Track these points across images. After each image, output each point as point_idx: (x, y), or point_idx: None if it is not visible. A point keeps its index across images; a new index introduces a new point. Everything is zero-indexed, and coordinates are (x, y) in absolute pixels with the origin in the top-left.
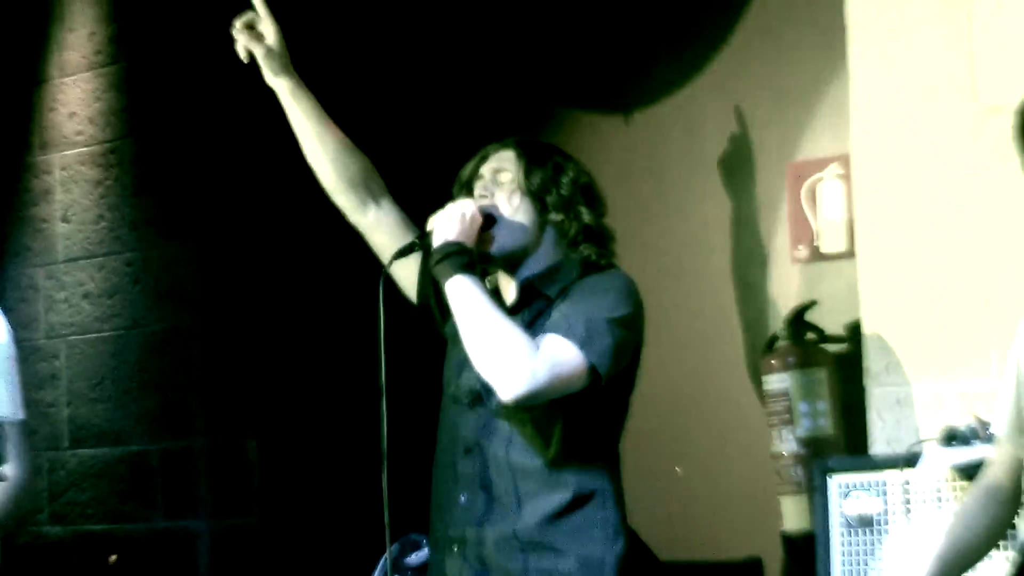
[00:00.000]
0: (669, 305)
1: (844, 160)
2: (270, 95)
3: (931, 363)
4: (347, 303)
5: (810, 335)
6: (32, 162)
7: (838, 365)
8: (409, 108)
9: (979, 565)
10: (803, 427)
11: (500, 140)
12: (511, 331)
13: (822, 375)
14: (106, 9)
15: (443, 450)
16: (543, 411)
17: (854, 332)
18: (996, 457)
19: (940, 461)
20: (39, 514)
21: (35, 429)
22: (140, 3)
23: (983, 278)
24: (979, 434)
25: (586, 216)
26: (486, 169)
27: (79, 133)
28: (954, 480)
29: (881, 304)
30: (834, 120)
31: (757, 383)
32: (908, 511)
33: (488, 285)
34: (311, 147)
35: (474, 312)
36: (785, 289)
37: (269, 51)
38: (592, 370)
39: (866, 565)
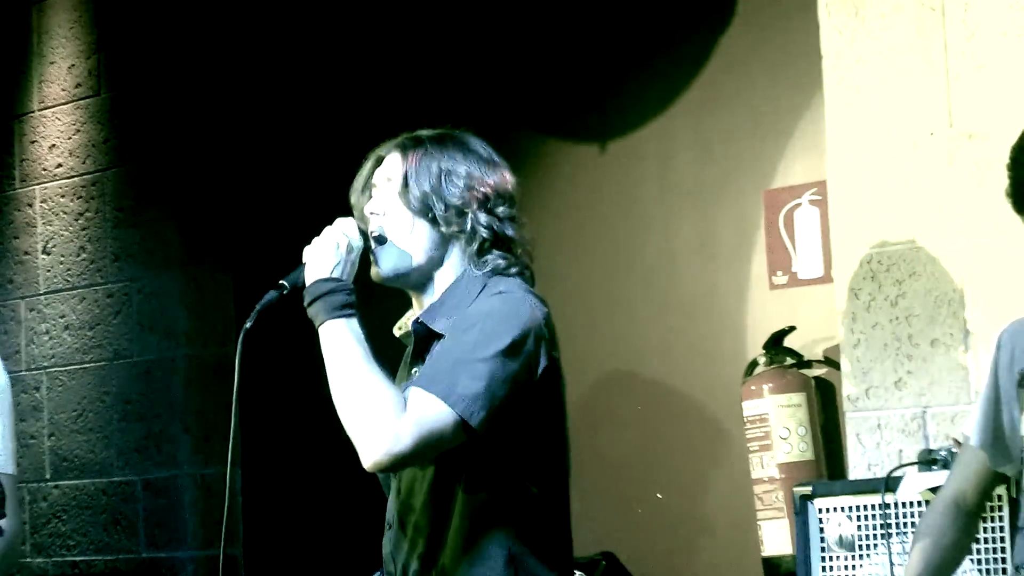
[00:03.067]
0: (648, 333)
1: (820, 187)
2: (249, 125)
3: (909, 387)
4: None
5: (789, 360)
6: (13, 195)
7: (817, 390)
8: (385, 135)
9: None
10: (783, 452)
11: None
12: (377, 389)
13: (801, 400)
14: (86, 42)
15: None
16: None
17: (832, 357)
18: (961, 467)
19: (919, 485)
20: (23, 547)
21: (18, 462)
22: (120, 36)
23: (961, 301)
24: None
25: (483, 227)
26: (379, 176)
27: (60, 165)
28: None
29: (858, 329)
30: (810, 147)
31: (736, 409)
32: (888, 535)
33: (399, 331)
34: None
35: (342, 365)
36: (763, 315)
37: None
38: (463, 423)
39: None
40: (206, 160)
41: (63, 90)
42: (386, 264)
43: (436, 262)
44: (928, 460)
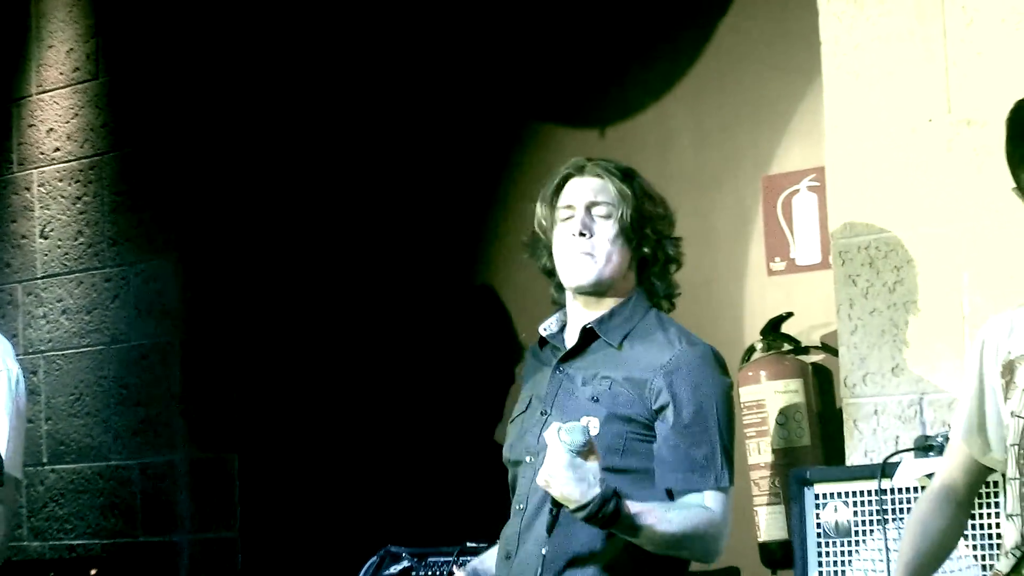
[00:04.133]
0: None
1: (819, 173)
2: (249, 110)
3: (907, 374)
4: (328, 317)
5: (786, 346)
6: (11, 179)
7: (814, 376)
8: (386, 123)
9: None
10: (779, 438)
11: (476, 155)
12: (690, 524)
13: (798, 386)
14: (84, 25)
15: None
16: None
17: (830, 343)
18: (949, 459)
19: (915, 471)
20: (17, 530)
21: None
22: (118, 20)
23: (958, 288)
24: None
25: (670, 248)
26: (576, 199)
27: (57, 149)
28: None
29: (856, 315)
30: (808, 133)
31: (734, 394)
32: (884, 521)
33: (557, 325)
34: None
35: (650, 536)
36: (761, 301)
37: None
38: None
39: (843, 574)
40: (204, 145)
41: (61, 74)
42: (590, 277)
43: (622, 278)
44: (925, 446)
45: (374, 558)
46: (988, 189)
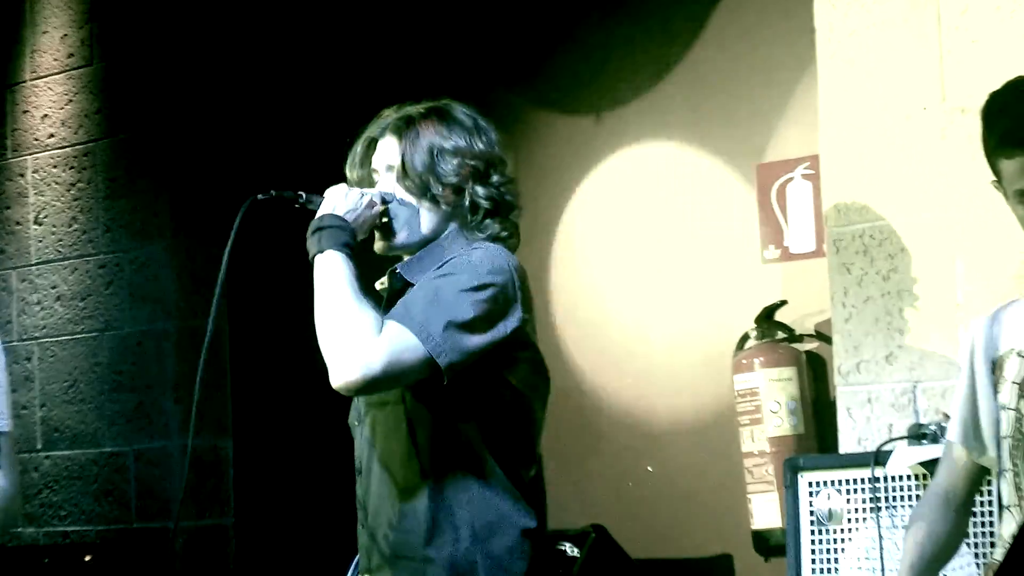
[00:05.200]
0: (639, 304)
1: (813, 161)
2: (243, 96)
3: (900, 362)
4: None
5: (780, 334)
6: (5, 165)
7: (808, 364)
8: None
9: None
10: (773, 425)
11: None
12: (359, 315)
13: (792, 374)
14: (79, 11)
15: None
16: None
17: (824, 331)
18: (948, 463)
19: (908, 459)
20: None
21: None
22: (113, 5)
23: (952, 277)
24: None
25: (482, 199)
26: (378, 161)
27: (52, 135)
28: (922, 478)
29: (850, 303)
30: (803, 120)
31: (728, 382)
32: (877, 508)
33: (380, 286)
34: None
35: (331, 291)
36: (755, 289)
37: None
38: (431, 360)
39: (835, 562)
40: (199, 131)
41: (55, 60)
42: (396, 238)
43: (439, 234)
44: (918, 434)
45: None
46: (982, 177)
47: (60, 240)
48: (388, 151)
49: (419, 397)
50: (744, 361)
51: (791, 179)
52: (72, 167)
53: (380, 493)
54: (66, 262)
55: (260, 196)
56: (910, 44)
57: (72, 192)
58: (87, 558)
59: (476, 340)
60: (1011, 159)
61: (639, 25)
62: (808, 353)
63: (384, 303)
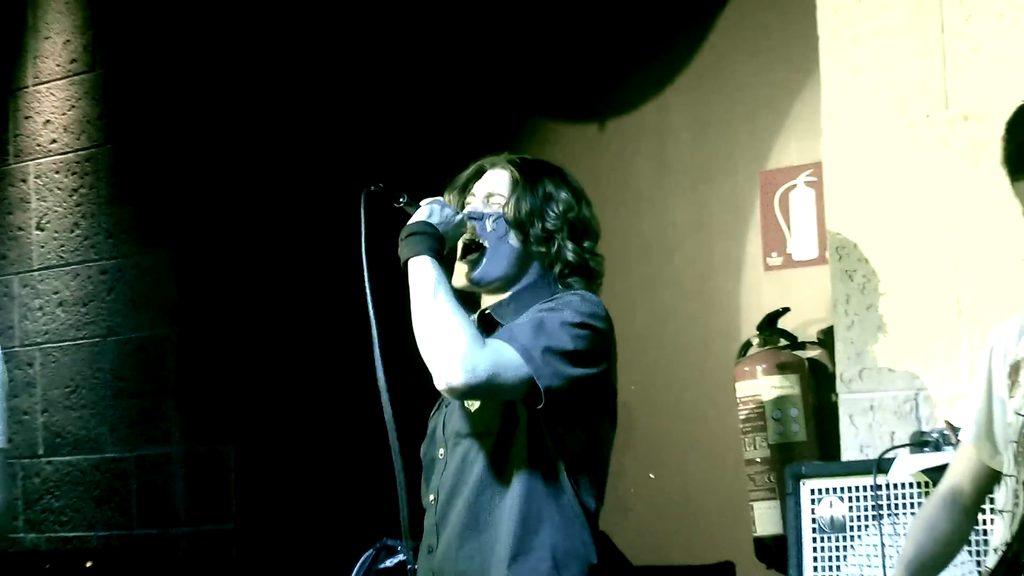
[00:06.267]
0: (641, 312)
1: (816, 168)
2: (245, 103)
3: (902, 369)
4: (324, 311)
5: (782, 341)
6: (7, 170)
7: (810, 371)
8: (382, 117)
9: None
10: (775, 433)
11: (475, 151)
12: (461, 321)
13: (794, 381)
14: (81, 17)
15: None
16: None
17: (826, 338)
18: (958, 463)
19: (911, 466)
20: (13, 521)
21: (10, 437)
22: (115, 11)
23: (954, 284)
24: (950, 440)
25: (570, 253)
26: (479, 187)
27: (54, 141)
28: (925, 486)
29: (852, 311)
30: (806, 128)
31: (730, 389)
32: (879, 516)
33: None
34: None
35: (430, 294)
36: (758, 296)
37: None
38: (531, 381)
39: (837, 569)
40: (201, 137)
41: (58, 65)
42: (485, 269)
43: (520, 275)
44: (920, 442)
45: (370, 551)
46: (985, 184)
47: (62, 246)
48: (497, 180)
49: (517, 429)
50: (746, 368)
51: (794, 186)
52: (74, 172)
53: (463, 520)
54: (68, 268)
55: (372, 188)
56: (913, 51)
57: (74, 198)
58: (88, 564)
59: (574, 371)
60: (1019, 182)
61: (642, 33)
62: (810, 360)
63: None
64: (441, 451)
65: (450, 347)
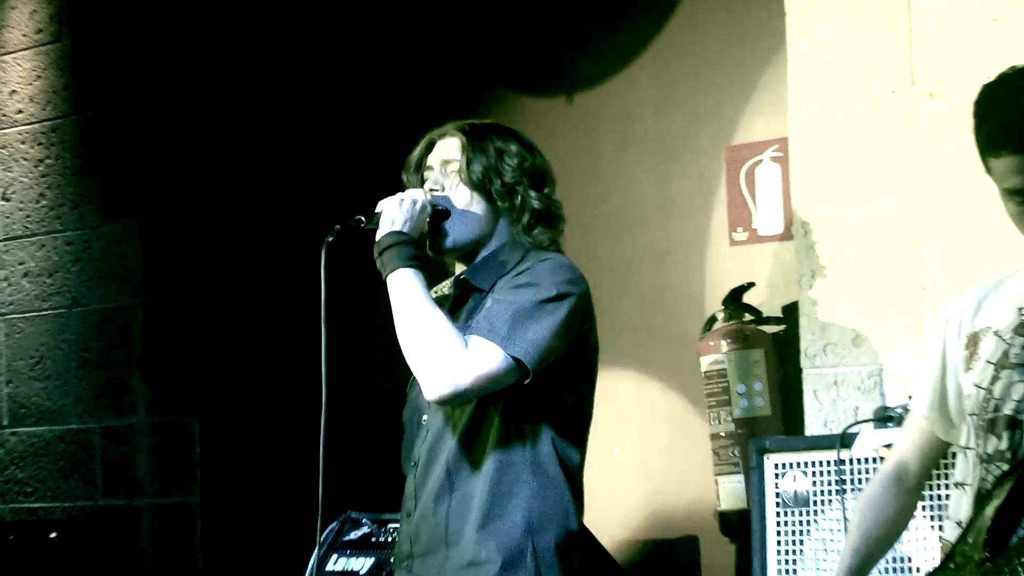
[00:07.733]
0: (606, 287)
1: (782, 143)
2: (212, 75)
3: (867, 345)
4: (289, 284)
5: (747, 316)
6: None
7: (775, 346)
8: (349, 90)
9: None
10: (740, 407)
11: (440, 124)
12: (443, 331)
13: (759, 356)
14: None
15: None
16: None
17: (791, 313)
18: (906, 437)
19: (874, 441)
20: None
21: None
22: None
23: (919, 260)
24: None
25: (535, 200)
26: (434, 159)
27: (20, 111)
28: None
29: (818, 286)
30: (772, 103)
31: (695, 364)
32: (842, 491)
33: (435, 294)
34: None
35: (410, 308)
36: (723, 271)
37: None
38: (517, 364)
39: (800, 543)
40: (167, 108)
41: (24, 35)
42: (455, 234)
43: (490, 234)
44: (884, 417)
45: (335, 523)
46: (950, 161)
47: (28, 216)
48: (449, 147)
49: (502, 397)
50: (711, 342)
51: (760, 162)
52: (40, 143)
53: (439, 484)
54: (34, 238)
55: (329, 238)
56: (880, 28)
57: (40, 168)
58: (52, 535)
59: (556, 343)
60: (999, 159)
61: (609, 6)
62: (775, 335)
63: (448, 308)
64: (425, 417)
65: (434, 362)
